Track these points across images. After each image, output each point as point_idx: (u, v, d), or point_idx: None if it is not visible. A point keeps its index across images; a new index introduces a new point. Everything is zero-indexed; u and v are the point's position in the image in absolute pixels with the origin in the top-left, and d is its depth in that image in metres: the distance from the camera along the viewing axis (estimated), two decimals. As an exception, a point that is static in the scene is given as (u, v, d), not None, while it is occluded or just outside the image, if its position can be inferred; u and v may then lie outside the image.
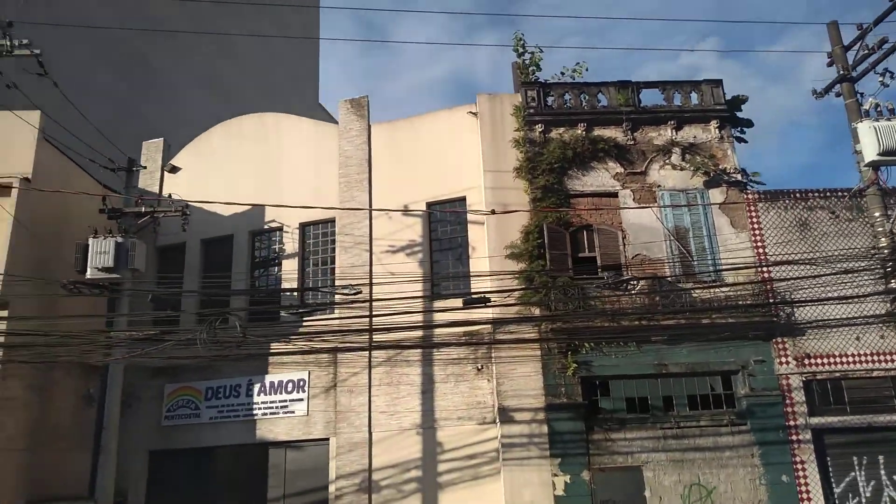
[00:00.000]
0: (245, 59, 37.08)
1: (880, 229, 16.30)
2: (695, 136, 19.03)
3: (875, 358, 16.98)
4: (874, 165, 16.14)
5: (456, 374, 17.75)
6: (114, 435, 16.61)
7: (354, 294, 15.93)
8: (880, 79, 16.34)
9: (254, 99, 34.43)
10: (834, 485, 16.27)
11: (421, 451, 17.37)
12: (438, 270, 19.10)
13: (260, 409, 18.63)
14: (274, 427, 18.48)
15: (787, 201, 18.29)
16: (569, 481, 16.11)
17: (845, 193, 18.04)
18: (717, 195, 18.43)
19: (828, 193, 18.32)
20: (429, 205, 19.31)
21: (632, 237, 18.11)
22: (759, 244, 17.84)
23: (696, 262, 17.83)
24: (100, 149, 17.33)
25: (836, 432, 16.53)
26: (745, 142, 19.27)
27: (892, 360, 16.98)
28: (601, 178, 18.79)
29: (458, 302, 17.29)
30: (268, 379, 18.80)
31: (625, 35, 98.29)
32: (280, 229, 20.34)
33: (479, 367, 17.67)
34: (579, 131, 18.93)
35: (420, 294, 17.85)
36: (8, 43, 15.14)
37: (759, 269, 17.38)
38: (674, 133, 19.01)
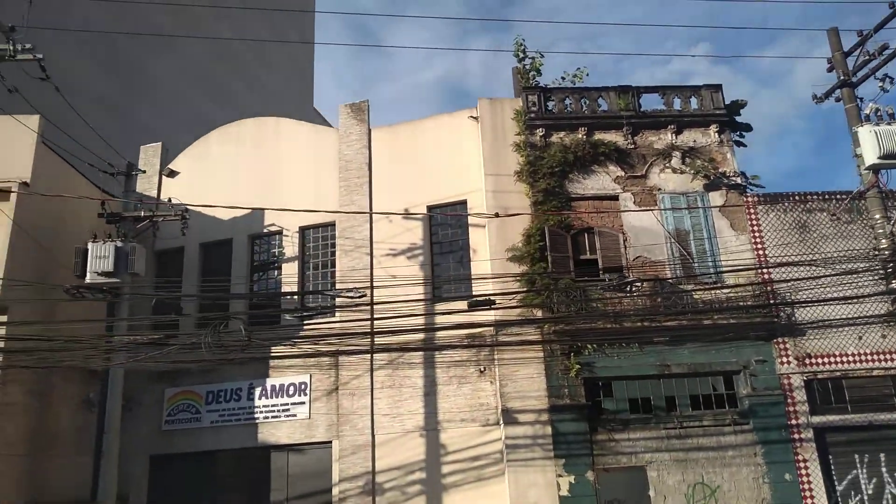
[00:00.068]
0: (240, 63, 37.20)
1: (881, 231, 16.50)
2: (695, 140, 19.26)
3: (875, 357, 17.21)
4: (874, 169, 16.37)
5: (458, 377, 17.85)
6: (115, 439, 16.55)
7: (359, 297, 16.00)
8: (880, 84, 16.56)
9: (249, 103, 34.58)
10: (836, 483, 16.46)
11: (424, 453, 17.44)
12: (440, 273, 19.18)
13: (261, 412, 18.64)
14: (276, 430, 18.49)
15: (786, 204, 18.53)
16: (573, 482, 16.22)
17: (844, 196, 18.29)
18: (716, 198, 18.64)
19: (826, 196, 18.58)
20: (429, 208, 19.44)
21: (633, 239, 18.29)
22: (759, 246, 18.06)
23: (696, 264, 18.02)
24: (96, 153, 17.37)
25: (837, 431, 16.74)
26: (744, 146, 19.60)
27: (892, 360, 17.22)
28: (602, 181, 18.96)
29: (460, 304, 17.40)
30: (269, 382, 18.81)
31: (616, 41, 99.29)
32: (279, 233, 20.38)
33: (482, 369, 17.77)
34: (580, 135, 19.11)
35: (422, 297, 17.91)
36: (11, 47, 15.13)
37: (760, 270, 17.58)
38: (674, 137, 19.23)
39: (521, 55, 20.55)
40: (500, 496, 16.56)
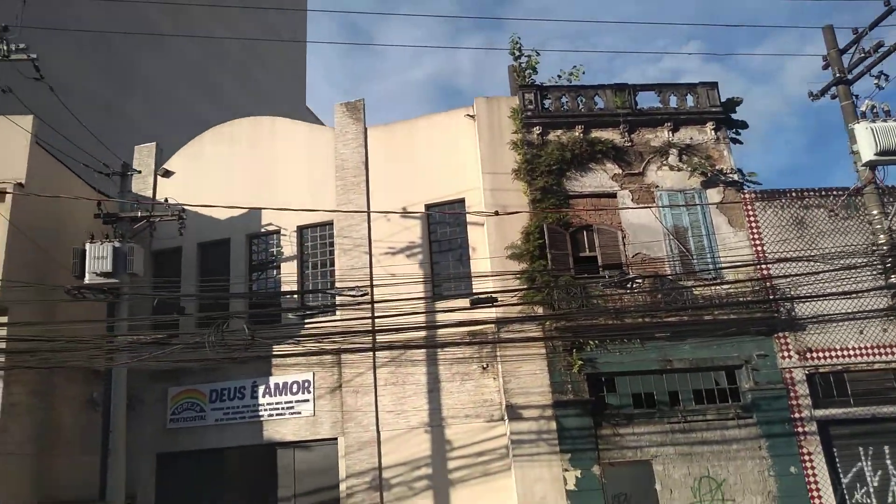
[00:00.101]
0: (233, 62, 37.15)
1: (878, 227, 16.75)
2: (691, 138, 19.42)
3: (876, 351, 17.46)
4: (871, 165, 16.62)
5: (461, 373, 17.96)
6: (121, 438, 16.60)
7: (361, 295, 16.05)
8: (875, 81, 16.85)
9: (241, 102, 34.53)
10: (841, 475, 16.68)
11: (430, 448, 17.54)
12: (439, 272, 19.26)
13: (266, 410, 18.71)
14: (281, 428, 18.56)
15: (783, 200, 18.74)
16: (580, 476, 16.34)
17: (841, 193, 18.55)
18: (714, 195, 18.81)
19: (823, 192, 18.81)
20: (427, 206, 19.50)
21: (631, 237, 18.42)
22: (758, 242, 18.25)
23: (695, 261, 18.18)
24: (90, 154, 17.30)
25: (840, 424, 16.96)
26: (741, 143, 19.80)
27: (893, 353, 17.48)
28: (600, 178, 19.08)
29: (461, 302, 17.53)
30: (272, 380, 18.87)
31: (608, 39, 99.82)
32: (277, 232, 20.37)
33: (485, 366, 17.86)
34: (577, 133, 19.21)
35: (422, 295, 17.97)
36: (5, 47, 15.08)
37: (760, 266, 17.78)
38: (670, 134, 19.38)
39: (517, 53, 20.67)
40: (507, 491, 16.69)
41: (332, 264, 19.69)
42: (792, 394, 17.00)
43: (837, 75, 17.62)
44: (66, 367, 16.69)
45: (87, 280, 16.51)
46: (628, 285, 17.53)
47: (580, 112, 19.65)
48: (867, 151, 16.56)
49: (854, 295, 15.98)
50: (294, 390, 18.66)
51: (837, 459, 16.78)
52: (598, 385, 17.34)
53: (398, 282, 17.26)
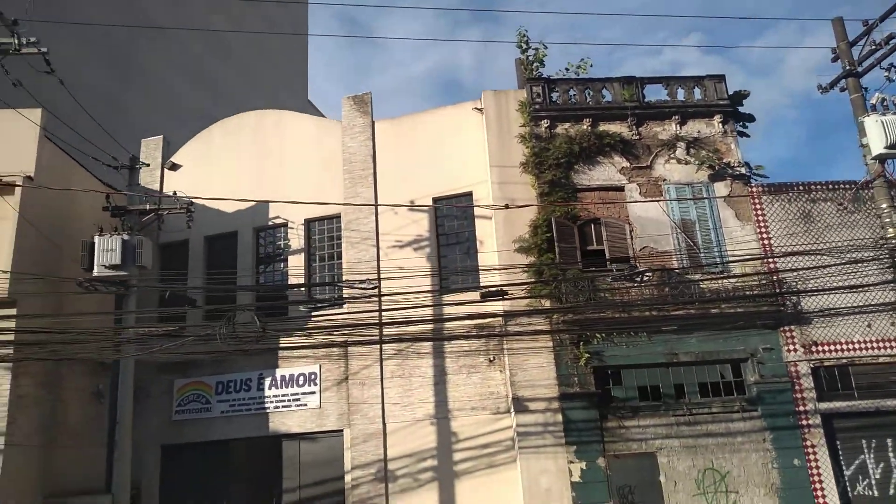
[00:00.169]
0: (235, 56, 37.66)
1: (887, 220, 17.11)
2: (699, 131, 19.90)
3: (881, 344, 17.92)
4: (881, 158, 17.01)
5: (468, 366, 18.46)
6: (127, 430, 17.00)
7: (373, 288, 16.55)
8: (886, 74, 17.14)
9: (244, 96, 35.03)
10: (844, 468, 17.19)
11: (436, 440, 18.07)
12: (446, 265, 19.73)
13: (272, 402, 19.26)
14: (287, 420, 19.10)
15: (790, 194, 19.20)
16: (585, 468, 16.86)
17: (849, 186, 19.01)
18: (721, 188, 19.28)
19: (830, 186, 19.26)
20: (435, 200, 20.01)
21: (639, 230, 18.90)
22: (765, 236, 18.72)
23: (702, 254, 18.67)
24: (96, 147, 17.73)
25: (844, 417, 17.45)
26: (748, 136, 20.23)
27: (898, 346, 17.98)
28: (607, 172, 19.57)
29: (469, 295, 18.04)
30: (279, 373, 19.40)
31: (607, 32, 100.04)
32: (284, 225, 20.91)
33: (491, 359, 18.38)
34: (585, 126, 19.70)
35: (430, 288, 18.51)
36: (16, 41, 15.44)
37: (766, 259, 18.25)
38: (678, 128, 19.85)
39: (525, 46, 21.12)
40: (512, 482, 17.19)
41: (340, 257, 20.21)
42: (796, 387, 17.49)
43: (847, 68, 17.84)
44: (77, 359, 17.22)
45: (95, 273, 16.91)
46: (636, 279, 18.00)
47: (588, 105, 20.11)
48: (877, 144, 16.84)
49: (861, 289, 16.46)
50: (300, 382, 19.20)
51: (840, 452, 17.28)
52: (604, 378, 17.83)
53: (406, 275, 17.74)
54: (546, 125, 19.76)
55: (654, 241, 18.78)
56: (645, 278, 17.94)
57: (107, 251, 16.97)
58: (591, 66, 20.97)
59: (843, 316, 17.81)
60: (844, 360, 17.81)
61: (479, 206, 19.36)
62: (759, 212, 18.97)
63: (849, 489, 17.02)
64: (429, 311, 17.75)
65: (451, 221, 20.05)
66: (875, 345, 17.92)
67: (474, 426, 18.01)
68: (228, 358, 18.94)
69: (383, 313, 16.82)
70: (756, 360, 17.68)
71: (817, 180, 19.34)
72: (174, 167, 20.56)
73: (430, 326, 18.19)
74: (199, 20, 33.68)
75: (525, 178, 19.37)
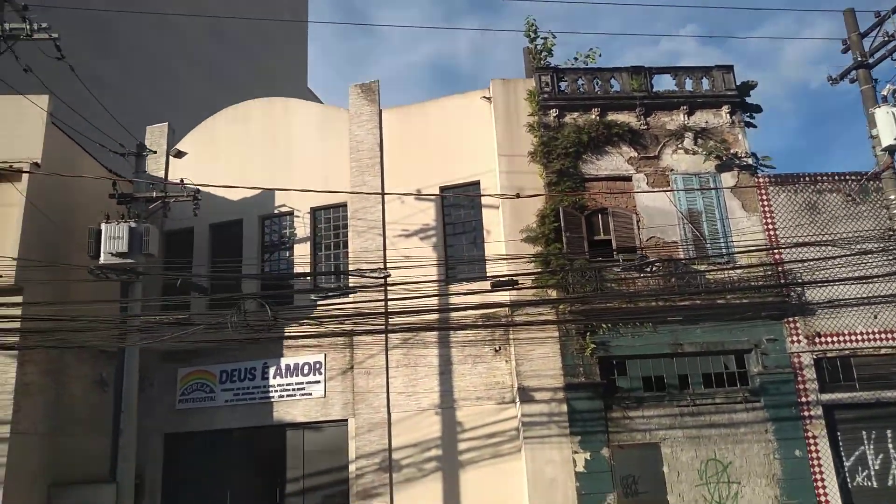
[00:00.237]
0: (235, 43, 38.29)
1: (895, 211, 17.75)
2: (706, 122, 20.59)
3: (883, 336, 18.67)
4: (891, 150, 17.59)
5: (473, 356, 19.20)
6: (132, 418, 17.71)
7: (385, 277, 17.14)
8: (898, 65, 17.80)
9: (244, 83, 35.62)
10: (844, 458, 17.99)
11: (440, 430, 18.84)
12: (453, 254, 20.42)
13: (276, 391, 20.04)
14: (291, 409, 19.89)
15: (797, 185, 19.90)
16: (589, 458, 17.64)
17: (855, 177, 19.73)
18: (728, 179, 19.99)
19: (837, 177, 19.97)
20: (442, 189, 20.68)
21: (646, 220, 19.61)
22: (770, 226, 19.44)
23: (709, 245, 19.36)
24: (101, 134, 18.36)
25: (845, 408, 18.24)
26: (755, 126, 20.92)
27: (901, 338, 18.74)
28: (615, 162, 20.26)
29: (475, 285, 18.71)
30: (283, 362, 20.18)
31: (605, 22, 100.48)
32: (290, 214, 21.64)
33: (497, 349, 19.12)
34: (593, 116, 20.39)
35: (436, 278, 19.18)
36: (28, 27, 15.96)
37: (772, 251, 18.94)
38: (686, 118, 20.53)
39: (533, 35, 21.71)
40: (517, 472, 17.98)
41: (346, 246, 20.93)
42: (799, 378, 18.25)
43: (858, 59, 18.35)
44: (86, 347, 17.88)
45: (102, 260, 17.48)
46: (643, 269, 18.63)
47: (597, 95, 20.79)
48: (887, 136, 17.40)
49: (865, 280, 17.19)
50: (305, 371, 19.98)
51: (841, 443, 18.07)
52: (609, 368, 18.59)
53: (412, 264, 18.37)
54: (554, 114, 20.41)
55: (661, 232, 19.48)
56: (657, 268, 18.54)
57: (114, 238, 17.53)
58: (600, 55, 21.55)
59: (847, 307, 18.54)
60: (847, 352, 18.56)
61: (486, 196, 19.99)
62: (766, 202, 19.65)
63: (848, 480, 17.82)
64: (435, 301, 18.37)
65: (458, 211, 20.74)
66: (877, 336, 18.65)
67: (479, 416, 18.76)
68: (232, 347, 19.62)
69: (389, 302, 17.52)
70: (760, 350, 18.42)
71: (823, 171, 20.02)
72: (179, 154, 21.22)
73: (435, 316, 18.78)
74: (199, 7, 34.23)
75: (533, 168, 20.02)
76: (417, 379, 19.30)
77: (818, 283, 18.04)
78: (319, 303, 20.19)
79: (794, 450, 17.75)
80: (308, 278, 21.16)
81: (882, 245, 17.65)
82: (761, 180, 19.97)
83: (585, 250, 19.11)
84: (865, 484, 17.80)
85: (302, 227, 21.40)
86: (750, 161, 20.15)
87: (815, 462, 17.65)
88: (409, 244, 20.19)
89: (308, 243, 21.26)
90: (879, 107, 17.73)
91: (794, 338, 18.56)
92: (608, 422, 18.03)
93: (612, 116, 20.50)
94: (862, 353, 18.58)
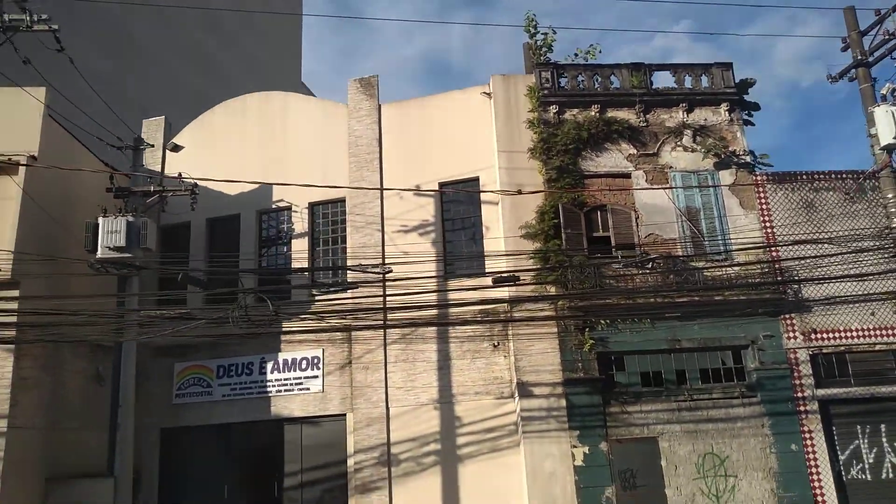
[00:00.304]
0: (229, 35, 38.79)
1: (893, 210, 18.50)
2: (705, 119, 21.36)
3: (878, 332, 19.52)
4: (889, 149, 18.34)
5: (472, 351, 19.88)
6: (129, 413, 18.28)
7: (387, 272, 17.73)
8: (898, 64, 18.53)
9: (238, 76, 36.19)
10: (839, 452, 18.86)
11: (439, 424, 19.50)
12: (452, 250, 21.06)
13: (274, 386, 20.64)
14: (289, 404, 20.51)
15: (794, 183, 20.70)
16: (588, 452, 18.38)
17: (852, 176, 20.55)
18: (727, 177, 20.75)
19: (834, 175, 20.78)
20: (441, 185, 21.29)
21: (645, 217, 20.36)
22: (768, 224, 20.22)
23: (706, 242, 20.11)
24: (96, 128, 18.84)
25: (841, 403, 19.10)
26: (753, 124, 21.69)
27: (894, 335, 19.53)
28: (615, 158, 21.00)
29: (474, 281, 19.36)
30: (281, 356, 20.78)
31: (597, 18, 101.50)
32: (288, 209, 22.22)
33: (496, 344, 19.80)
34: (593, 113, 21.11)
35: (435, 274, 19.82)
36: (28, 18, 16.42)
37: (769, 248, 19.68)
38: (685, 115, 21.29)
39: (533, 31, 22.38)
40: (516, 467, 18.69)
41: (344, 241, 21.53)
42: (795, 373, 19.07)
43: (858, 57, 19.08)
44: (76, 341, 18.29)
45: (99, 254, 17.99)
46: (643, 266, 19.37)
47: (596, 91, 21.52)
48: (886, 134, 18.09)
49: (861, 278, 17.98)
50: (303, 366, 20.59)
51: (836, 437, 18.93)
52: (607, 364, 19.31)
53: (411, 260, 19.02)
54: (554, 111, 21.10)
55: (659, 229, 20.22)
56: (657, 265, 19.27)
57: (111, 232, 18.02)
58: (600, 52, 22.27)
59: (843, 304, 19.34)
60: (842, 348, 19.41)
61: (486, 192, 20.64)
62: (763, 200, 20.44)
63: (843, 473, 18.70)
64: (433, 296, 18.95)
65: (457, 207, 21.36)
66: (872, 333, 19.49)
67: (478, 411, 19.44)
68: (230, 341, 20.29)
69: (388, 298, 18.13)
70: (757, 346, 19.19)
71: (819, 170, 20.83)
72: (176, 148, 21.58)
73: (434, 311, 19.37)
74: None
75: (532, 164, 20.69)
76: (416, 374, 19.90)
77: (815, 281, 18.83)
78: (318, 298, 20.70)
79: (789, 444, 18.54)
80: (306, 274, 21.64)
81: (878, 243, 18.37)
82: (759, 178, 20.72)
83: (584, 247, 19.78)
84: (860, 477, 18.66)
85: (300, 223, 21.94)
86: (748, 159, 20.88)
87: (811, 456, 18.46)
88: (407, 240, 20.79)
89: (306, 238, 21.79)
90: (879, 105, 18.43)
91: (791, 334, 19.33)
92: (606, 416, 18.76)
93: (611, 113, 21.19)
94: (857, 350, 19.41)
